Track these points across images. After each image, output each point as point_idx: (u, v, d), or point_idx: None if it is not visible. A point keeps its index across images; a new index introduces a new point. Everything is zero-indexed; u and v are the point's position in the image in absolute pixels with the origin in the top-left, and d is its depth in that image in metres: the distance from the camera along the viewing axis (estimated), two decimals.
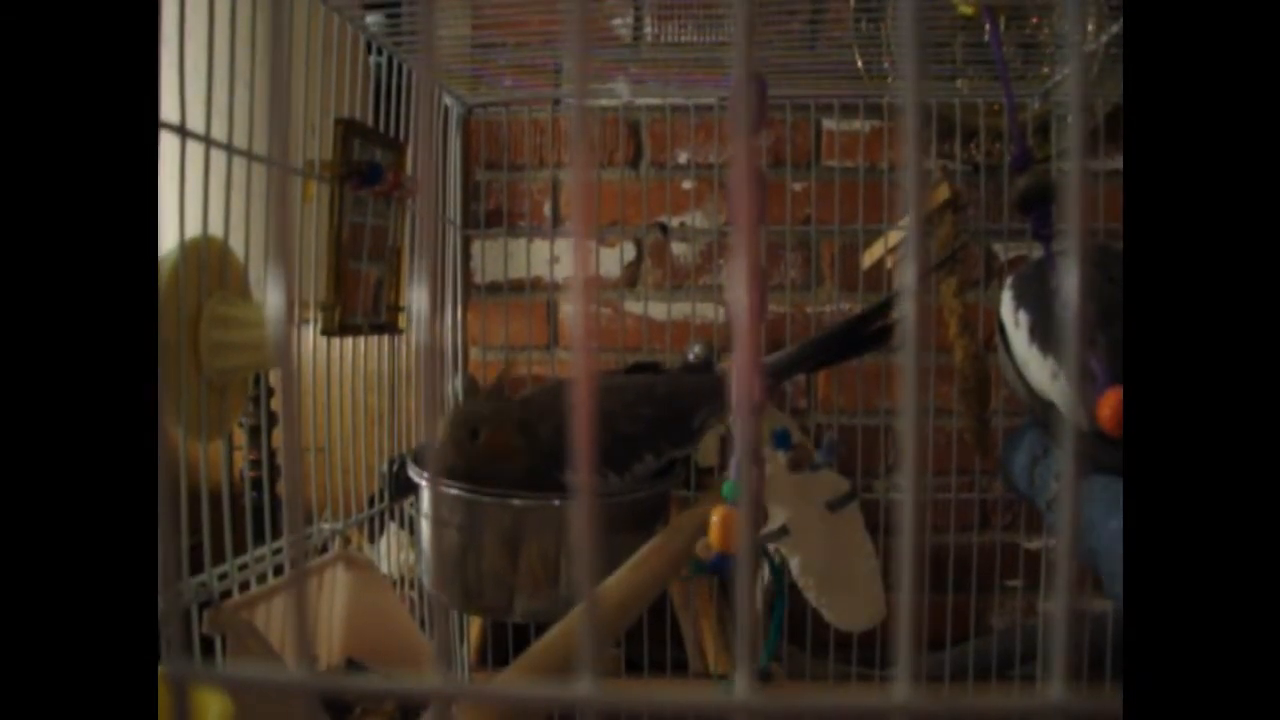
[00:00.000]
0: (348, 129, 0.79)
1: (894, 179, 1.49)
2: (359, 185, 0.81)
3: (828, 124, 1.51)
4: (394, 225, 0.90)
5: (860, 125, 1.49)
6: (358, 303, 0.86)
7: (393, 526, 1.08)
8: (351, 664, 0.82)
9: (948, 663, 1.40)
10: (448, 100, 1.13)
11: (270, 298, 0.28)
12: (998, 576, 1.49)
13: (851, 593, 0.98)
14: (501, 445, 0.85)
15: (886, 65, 1.32)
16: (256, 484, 1.16)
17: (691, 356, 1.42)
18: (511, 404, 0.87)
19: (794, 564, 0.98)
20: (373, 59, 0.97)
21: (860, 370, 1.40)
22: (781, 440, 0.91)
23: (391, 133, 0.92)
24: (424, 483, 0.86)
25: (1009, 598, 1.56)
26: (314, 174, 0.78)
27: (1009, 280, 0.85)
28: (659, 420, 0.90)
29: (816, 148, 1.55)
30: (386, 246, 0.89)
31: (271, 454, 1.27)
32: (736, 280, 0.57)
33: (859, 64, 1.29)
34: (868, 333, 0.94)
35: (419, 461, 0.88)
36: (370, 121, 0.92)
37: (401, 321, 0.95)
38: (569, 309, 1.58)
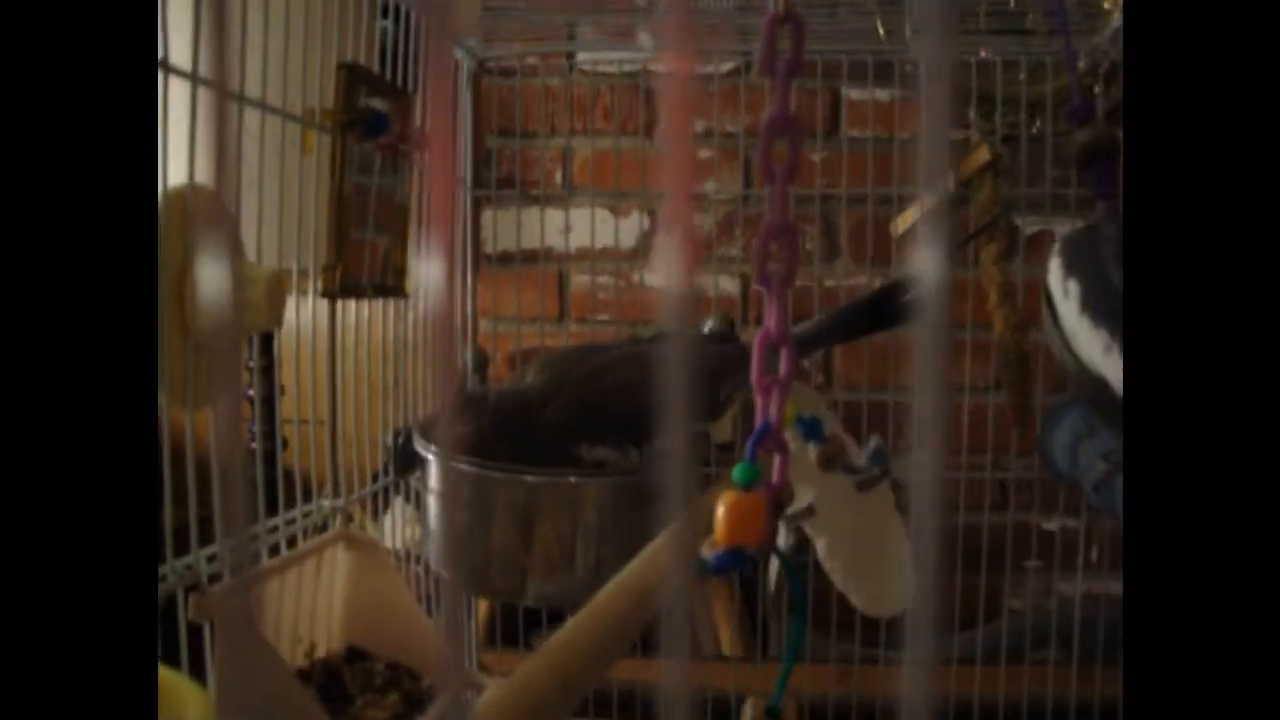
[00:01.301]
0: (351, 74, 0.71)
1: (917, 149, 1.40)
2: (363, 136, 0.73)
3: (849, 93, 1.42)
4: (400, 183, 0.82)
5: (883, 95, 1.41)
6: (362, 264, 0.78)
7: (399, 501, 1.01)
8: (353, 651, 0.74)
9: (956, 647, 1.33)
10: (459, 54, 1.05)
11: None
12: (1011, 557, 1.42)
13: (881, 577, 0.91)
14: (508, 418, 0.79)
15: (909, 33, 1.24)
16: (258, 457, 1.08)
17: (708, 331, 1.34)
18: (522, 376, 0.80)
19: (820, 545, 0.91)
20: (379, 23, 0.88)
21: (870, 346, 1.33)
22: (811, 430, 0.81)
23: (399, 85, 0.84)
24: (431, 457, 0.79)
25: (1025, 579, 1.49)
26: (315, 123, 0.70)
27: (1057, 246, 0.77)
28: None
29: (835, 117, 1.47)
30: (393, 205, 0.81)
31: (272, 425, 1.20)
32: (766, 238, 0.48)
33: (880, 31, 1.20)
34: (898, 305, 0.87)
35: (426, 434, 0.80)
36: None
37: (408, 286, 0.87)
38: (582, 280, 1.51)
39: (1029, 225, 1.35)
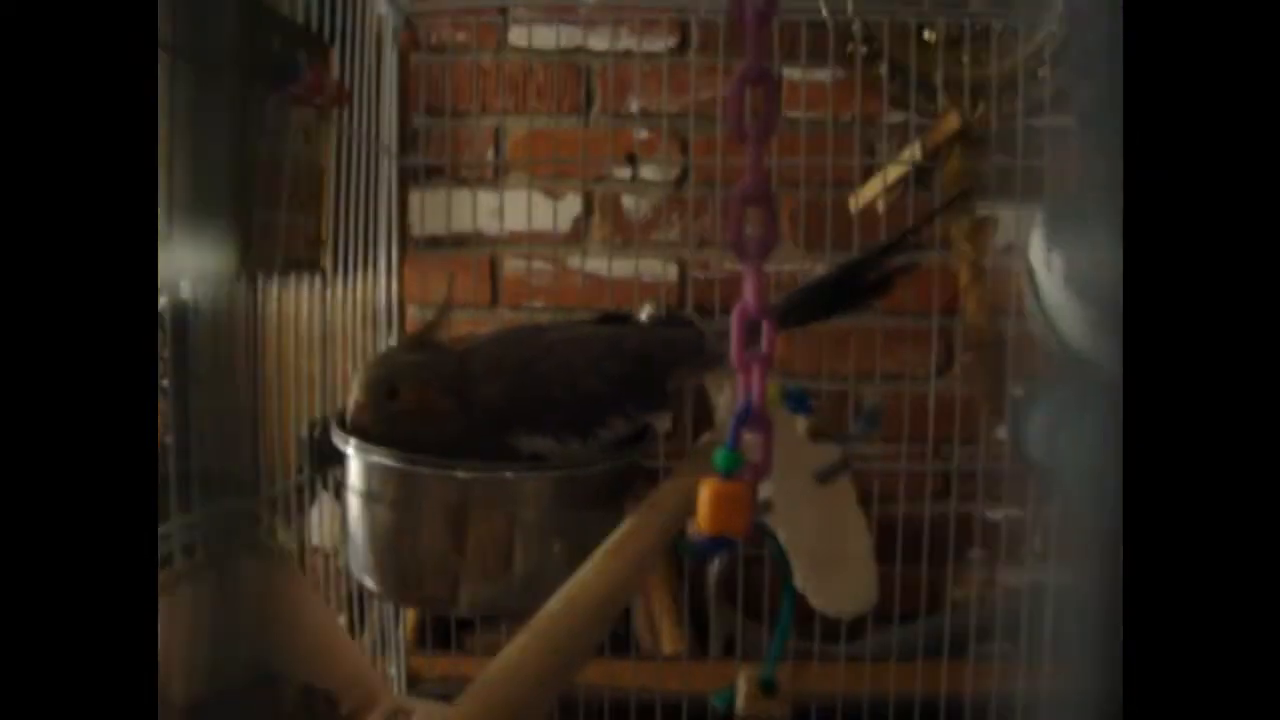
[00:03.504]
0: (252, 9, 0.59)
1: (854, 131, 1.33)
2: (271, 86, 0.61)
3: (791, 74, 1.33)
4: (316, 144, 0.70)
5: (821, 75, 1.32)
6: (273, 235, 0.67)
7: (325, 495, 0.90)
8: (260, 676, 0.63)
9: (895, 642, 1.25)
10: (383, 8, 0.93)
11: None
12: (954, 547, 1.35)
13: (841, 575, 0.82)
14: (426, 406, 0.68)
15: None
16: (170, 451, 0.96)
17: (644, 317, 1.25)
18: (444, 356, 0.70)
19: (779, 541, 0.82)
20: None
21: (825, 333, 1.24)
22: (798, 401, 0.73)
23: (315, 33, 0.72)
24: (350, 450, 0.68)
25: (968, 569, 1.41)
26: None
27: (1039, 216, 0.68)
28: (628, 378, 0.73)
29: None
30: (308, 168, 0.70)
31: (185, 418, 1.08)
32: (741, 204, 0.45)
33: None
34: (865, 282, 0.78)
35: (345, 425, 0.69)
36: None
37: (324, 259, 0.75)
38: (515, 265, 1.40)
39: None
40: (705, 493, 0.50)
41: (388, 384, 0.68)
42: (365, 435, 0.68)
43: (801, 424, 0.73)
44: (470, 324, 1.37)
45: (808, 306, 0.78)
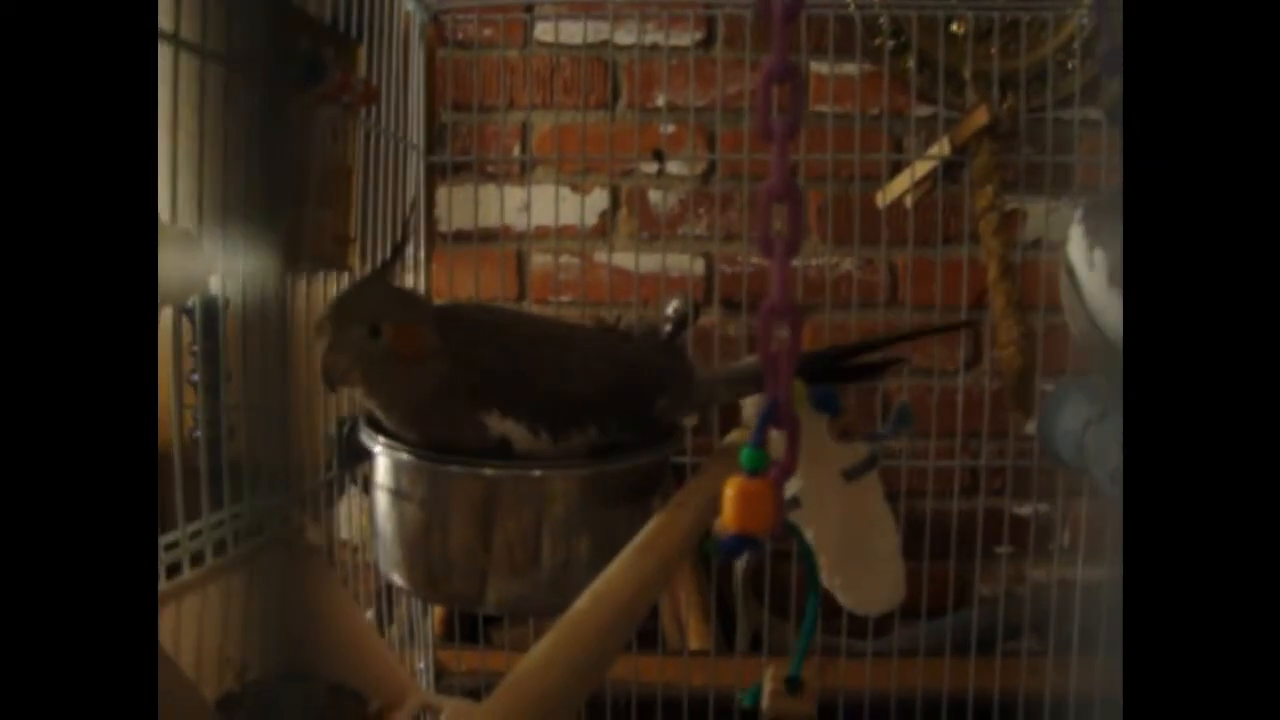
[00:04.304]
0: (279, 9, 0.59)
1: (891, 126, 1.32)
2: (299, 85, 0.61)
3: (818, 68, 1.32)
4: (344, 141, 0.70)
5: (850, 69, 1.31)
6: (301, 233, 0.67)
7: (353, 489, 0.90)
8: (289, 674, 0.63)
9: (923, 638, 1.24)
10: (410, 5, 0.93)
11: None
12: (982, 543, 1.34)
13: (869, 572, 0.82)
14: (414, 344, 0.63)
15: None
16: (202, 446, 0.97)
17: (670, 311, 1.24)
18: (420, 299, 0.67)
19: (805, 539, 0.82)
20: None
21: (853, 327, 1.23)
22: (826, 401, 0.72)
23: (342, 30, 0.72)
24: (378, 448, 0.68)
25: (996, 565, 1.40)
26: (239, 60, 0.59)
27: (1078, 213, 0.67)
28: (616, 391, 0.70)
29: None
30: (335, 166, 0.70)
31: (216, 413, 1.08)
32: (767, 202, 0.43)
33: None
34: (850, 366, 0.78)
35: (373, 424, 0.69)
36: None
37: (352, 257, 0.75)
38: (542, 259, 1.40)
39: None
40: (730, 491, 0.49)
41: (369, 321, 0.63)
42: (337, 383, 0.64)
43: (827, 425, 0.72)
44: None
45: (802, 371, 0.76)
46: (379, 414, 0.67)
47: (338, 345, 0.63)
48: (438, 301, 1.14)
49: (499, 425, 0.66)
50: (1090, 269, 0.64)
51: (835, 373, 0.77)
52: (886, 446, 1.10)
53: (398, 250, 0.68)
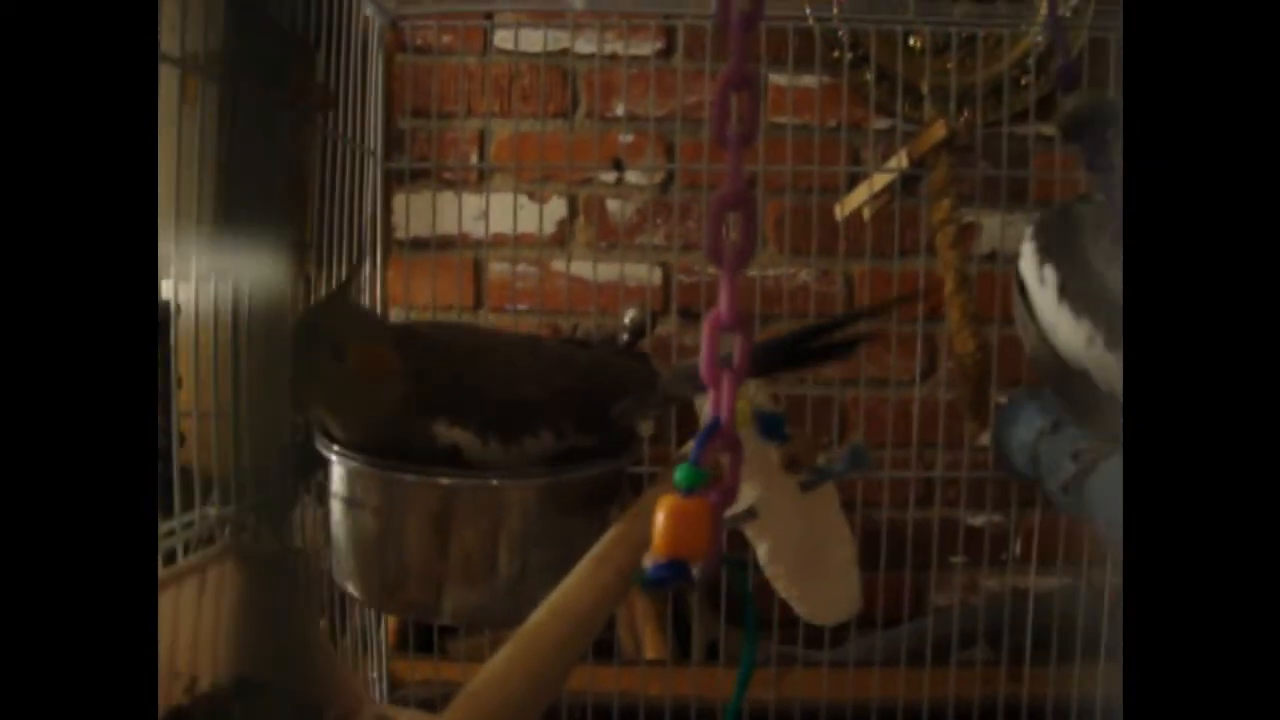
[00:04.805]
0: (238, 13, 0.59)
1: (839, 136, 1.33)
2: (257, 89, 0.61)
3: (777, 79, 1.33)
4: (301, 147, 0.70)
5: (809, 81, 1.32)
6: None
7: (307, 499, 0.89)
8: (244, 683, 0.62)
9: (878, 646, 1.25)
10: (368, 9, 0.93)
11: None
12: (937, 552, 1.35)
13: (825, 582, 0.82)
14: (377, 365, 0.64)
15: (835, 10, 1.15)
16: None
17: (627, 320, 1.24)
18: (378, 318, 0.67)
19: (761, 551, 0.82)
20: None
21: None
22: (771, 428, 0.69)
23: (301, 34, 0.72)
24: (333, 456, 0.67)
25: (950, 575, 1.42)
26: (199, 64, 0.58)
27: (1029, 230, 0.68)
28: (570, 395, 0.70)
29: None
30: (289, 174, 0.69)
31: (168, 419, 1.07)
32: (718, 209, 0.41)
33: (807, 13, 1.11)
34: (817, 347, 0.76)
35: (327, 432, 0.68)
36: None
37: (307, 264, 0.75)
38: (500, 268, 1.40)
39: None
40: (662, 510, 0.42)
41: (331, 343, 0.63)
42: (302, 407, 0.64)
43: (775, 454, 0.71)
44: None
45: (767, 359, 0.75)
46: (334, 429, 0.67)
47: (304, 373, 0.63)
48: (394, 310, 1.13)
49: (447, 434, 0.65)
50: (1041, 285, 0.65)
51: (796, 356, 0.75)
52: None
53: (357, 267, 0.68)
